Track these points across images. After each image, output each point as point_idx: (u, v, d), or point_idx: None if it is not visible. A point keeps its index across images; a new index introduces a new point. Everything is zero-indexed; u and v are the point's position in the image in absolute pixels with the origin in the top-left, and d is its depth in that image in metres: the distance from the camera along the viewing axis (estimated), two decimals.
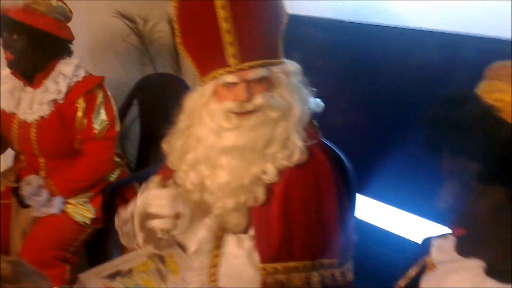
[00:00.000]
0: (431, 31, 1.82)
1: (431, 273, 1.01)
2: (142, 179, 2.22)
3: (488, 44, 1.68)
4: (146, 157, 2.58)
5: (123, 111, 2.60)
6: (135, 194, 2.19)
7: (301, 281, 1.33)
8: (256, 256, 1.34)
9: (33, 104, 1.93)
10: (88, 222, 2.02)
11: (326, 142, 1.60)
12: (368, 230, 1.68)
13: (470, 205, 0.88)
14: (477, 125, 0.84)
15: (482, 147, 0.83)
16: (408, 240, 1.90)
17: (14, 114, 1.99)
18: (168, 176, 1.52)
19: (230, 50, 1.28)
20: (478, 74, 0.92)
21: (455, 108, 0.88)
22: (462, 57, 1.75)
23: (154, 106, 2.51)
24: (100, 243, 2.14)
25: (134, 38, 2.81)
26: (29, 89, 1.96)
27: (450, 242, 0.99)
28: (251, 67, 1.28)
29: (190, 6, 1.32)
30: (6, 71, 1.99)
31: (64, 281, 1.91)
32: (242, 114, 1.31)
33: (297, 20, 2.22)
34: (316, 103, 1.45)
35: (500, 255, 0.88)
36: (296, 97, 1.36)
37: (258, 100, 1.30)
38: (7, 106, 1.99)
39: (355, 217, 1.55)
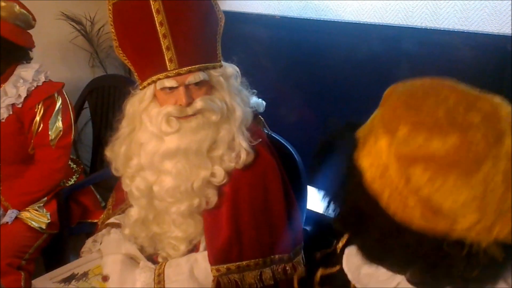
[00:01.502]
0: (374, 24, 1.88)
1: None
2: (96, 182, 2.26)
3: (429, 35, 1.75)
4: (100, 160, 2.56)
5: (75, 114, 2.57)
6: (90, 197, 2.22)
7: (254, 278, 1.37)
8: (198, 270, 1.39)
9: None
10: (43, 227, 1.99)
11: (274, 135, 1.64)
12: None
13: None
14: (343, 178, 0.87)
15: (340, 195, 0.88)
16: None
17: None
18: (121, 198, 1.56)
19: (167, 55, 1.28)
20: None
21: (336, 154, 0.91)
22: (404, 50, 1.82)
23: (106, 108, 2.50)
24: (56, 250, 2.12)
25: (82, 40, 2.78)
26: None
27: None
28: (189, 71, 1.29)
29: (127, 9, 1.30)
30: None
31: None
32: (183, 117, 1.32)
33: (241, 18, 2.27)
34: (258, 103, 1.49)
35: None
36: (237, 99, 1.38)
37: (198, 104, 1.31)
38: None
39: (308, 209, 1.60)
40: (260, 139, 1.41)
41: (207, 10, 1.34)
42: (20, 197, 1.94)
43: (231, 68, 1.41)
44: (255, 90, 1.49)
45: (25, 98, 1.91)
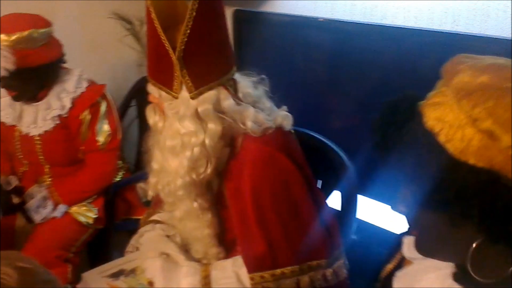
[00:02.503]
0: (421, 30, 1.85)
1: (406, 269, 1.01)
2: (142, 180, 2.28)
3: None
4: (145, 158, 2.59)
5: (121, 113, 2.62)
6: (135, 194, 2.25)
7: (291, 286, 1.34)
8: (244, 277, 1.38)
9: (37, 120, 1.93)
10: (90, 222, 2.04)
11: (325, 140, 1.63)
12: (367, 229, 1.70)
13: (419, 216, 0.86)
14: (414, 150, 0.79)
15: (417, 172, 0.79)
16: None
17: (15, 126, 1.98)
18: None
19: None
20: None
21: (398, 123, 0.85)
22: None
23: None
24: (101, 243, 2.15)
25: (130, 39, 2.83)
26: (31, 102, 1.95)
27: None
28: None
29: None
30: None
31: (66, 280, 1.93)
32: None
33: (281, 20, 2.25)
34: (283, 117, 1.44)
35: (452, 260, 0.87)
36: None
37: None
38: (8, 119, 1.98)
39: (356, 218, 1.57)
40: (278, 146, 1.37)
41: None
42: (72, 194, 1.99)
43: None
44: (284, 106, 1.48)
45: (70, 107, 1.93)
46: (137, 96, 2.60)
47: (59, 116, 1.92)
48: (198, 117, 1.33)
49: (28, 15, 1.83)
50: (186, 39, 1.26)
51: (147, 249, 1.52)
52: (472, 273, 0.82)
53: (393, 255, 1.11)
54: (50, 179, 2.06)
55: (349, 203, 1.59)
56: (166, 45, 1.27)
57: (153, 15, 1.28)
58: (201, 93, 1.32)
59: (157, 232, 1.58)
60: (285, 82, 2.18)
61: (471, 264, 0.82)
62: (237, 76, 1.43)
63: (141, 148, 2.56)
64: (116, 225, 2.19)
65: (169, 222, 1.59)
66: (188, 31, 1.26)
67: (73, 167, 2.03)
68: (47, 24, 1.83)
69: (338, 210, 1.62)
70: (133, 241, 1.63)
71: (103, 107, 1.98)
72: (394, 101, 0.91)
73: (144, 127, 2.63)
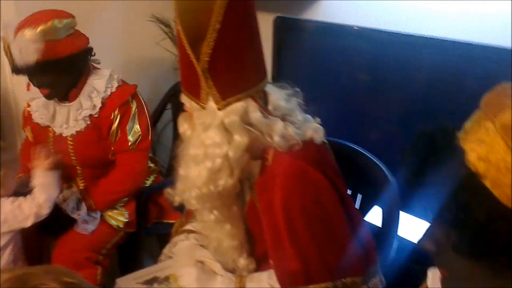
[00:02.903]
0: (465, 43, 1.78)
1: None
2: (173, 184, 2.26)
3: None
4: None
5: (157, 116, 2.62)
6: (167, 199, 2.23)
7: None
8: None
9: (69, 120, 1.93)
10: (121, 226, 2.03)
11: (367, 153, 1.58)
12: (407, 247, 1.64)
13: (452, 259, 0.81)
14: (455, 192, 0.73)
15: (458, 216, 0.73)
16: None
17: (48, 127, 1.99)
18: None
19: None
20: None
21: (434, 156, 0.79)
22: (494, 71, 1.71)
23: None
24: (132, 247, 2.14)
25: (168, 42, 2.83)
26: (63, 102, 1.95)
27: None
28: None
29: None
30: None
31: (95, 283, 1.91)
32: None
33: (315, 28, 2.21)
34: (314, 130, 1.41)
35: None
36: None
37: None
38: (42, 120, 1.98)
39: (397, 234, 1.52)
40: (312, 161, 1.33)
41: None
42: (104, 196, 1.97)
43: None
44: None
45: (101, 107, 1.91)
46: (172, 100, 2.59)
47: (90, 116, 1.92)
48: (224, 128, 1.32)
49: (51, 9, 1.84)
50: (210, 51, 1.25)
51: (182, 257, 1.49)
52: None
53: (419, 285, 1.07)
54: (82, 181, 2.05)
55: (390, 219, 1.53)
56: (191, 56, 1.27)
57: (179, 28, 1.28)
58: (228, 104, 1.31)
59: (191, 241, 1.57)
60: (324, 90, 2.14)
61: None
62: (270, 87, 1.41)
63: (176, 151, 2.61)
64: (147, 229, 2.18)
65: (202, 231, 1.57)
66: (212, 42, 1.24)
67: (105, 169, 2.02)
68: (69, 15, 1.84)
69: (378, 227, 1.56)
70: (166, 250, 1.61)
71: (133, 107, 1.96)
72: (430, 131, 0.85)
73: (177, 131, 2.62)
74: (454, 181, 0.75)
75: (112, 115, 1.92)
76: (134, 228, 2.09)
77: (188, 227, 1.63)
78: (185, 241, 1.58)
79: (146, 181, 2.21)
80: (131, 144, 1.95)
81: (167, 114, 2.70)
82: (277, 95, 1.42)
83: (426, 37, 1.86)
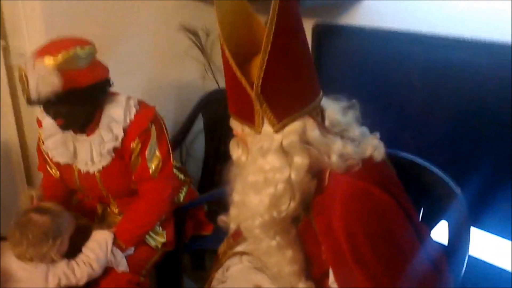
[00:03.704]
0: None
1: None
2: (213, 199, 2.18)
3: None
4: (210, 174, 2.50)
5: (187, 126, 2.54)
6: (202, 209, 2.15)
7: None
8: None
9: (93, 156, 1.82)
10: (160, 246, 1.95)
11: (427, 165, 1.49)
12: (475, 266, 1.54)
13: None
14: None
15: None
16: None
17: (71, 165, 1.88)
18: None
19: None
20: None
21: None
22: None
23: (220, 122, 2.43)
24: (170, 265, 2.05)
25: (196, 51, 2.75)
26: (81, 136, 1.83)
27: None
28: None
29: None
30: (47, 120, 1.83)
31: None
32: None
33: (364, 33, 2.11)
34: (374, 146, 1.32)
35: None
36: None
37: None
38: (63, 159, 1.86)
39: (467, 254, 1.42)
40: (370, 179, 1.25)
41: None
42: (131, 233, 1.84)
43: None
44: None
45: (123, 137, 1.80)
46: (204, 109, 2.51)
47: (114, 148, 1.81)
48: (283, 151, 1.25)
49: (71, 37, 1.73)
50: (263, 74, 1.18)
51: (237, 282, 1.41)
52: None
53: None
54: (117, 208, 1.98)
55: (459, 236, 1.43)
56: (243, 82, 1.20)
57: (227, 53, 1.21)
58: (284, 126, 1.24)
59: (245, 264, 1.48)
60: (370, 100, 2.04)
61: None
62: (325, 101, 1.33)
63: (207, 163, 2.52)
64: (185, 246, 2.09)
65: (255, 253, 1.48)
66: (265, 65, 1.17)
67: (133, 198, 1.91)
68: (90, 43, 1.72)
69: (444, 245, 1.46)
70: (218, 275, 1.52)
71: (153, 132, 1.84)
72: None
73: (209, 141, 2.54)
74: None
75: (133, 145, 1.81)
76: (172, 247, 2.00)
77: (239, 248, 1.53)
78: (238, 265, 1.49)
79: (180, 195, 2.12)
80: (152, 172, 1.84)
81: (198, 123, 2.60)
82: (333, 109, 1.34)
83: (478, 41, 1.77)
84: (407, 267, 1.22)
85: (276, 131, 1.24)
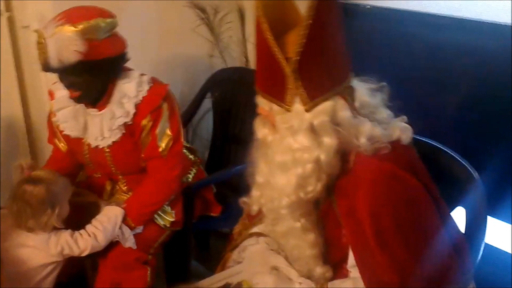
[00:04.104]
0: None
1: None
2: (221, 180, 2.17)
3: None
4: (218, 155, 2.48)
5: (195, 106, 2.51)
6: (210, 190, 2.13)
7: None
8: None
9: (103, 131, 1.79)
10: (168, 225, 1.93)
11: (449, 151, 1.47)
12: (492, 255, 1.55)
13: None
14: None
15: None
16: None
17: (81, 138, 1.85)
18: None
19: None
20: None
21: None
22: None
23: (229, 102, 2.40)
24: (178, 245, 2.04)
25: (204, 29, 2.71)
26: (92, 111, 1.80)
27: None
28: None
29: None
30: (60, 92, 1.81)
31: (145, 284, 1.83)
32: None
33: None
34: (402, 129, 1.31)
35: None
36: None
37: None
38: (73, 132, 1.84)
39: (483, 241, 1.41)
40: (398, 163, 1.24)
41: None
42: (140, 211, 1.82)
43: None
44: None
45: (134, 113, 1.77)
46: (213, 88, 2.47)
47: (125, 124, 1.78)
48: (312, 130, 1.23)
49: (92, 6, 1.70)
50: (301, 49, 1.15)
51: (254, 263, 1.39)
52: None
53: None
54: (125, 185, 1.95)
55: (476, 222, 1.42)
56: (279, 57, 1.17)
57: (265, 26, 1.17)
58: (316, 105, 1.22)
59: (262, 245, 1.47)
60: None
61: None
62: (355, 82, 1.30)
63: (215, 143, 2.50)
64: (194, 225, 2.08)
65: (272, 235, 1.47)
66: (304, 40, 1.15)
67: (142, 175, 1.89)
68: (112, 15, 1.70)
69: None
70: (234, 255, 1.51)
71: (165, 110, 1.81)
72: None
73: (218, 121, 2.52)
74: None
75: (144, 122, 1.78)
76: (180, 226, 1.98)
77: (255, 229, 1.52)
78: (255, 245, 1.48)
79: (189, 175, 2.10)
80: (162, 150, 1.81)
81: (205, 103, 2.57)
82: (362, 90, 1.32)
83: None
84: (431, 253, 1.21)
85: (307, 110, 1.21)
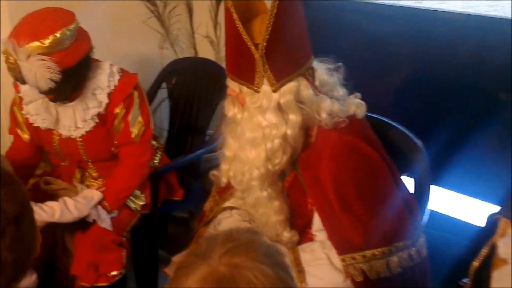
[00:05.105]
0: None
1: (504, 269, 1.03)
2: (186, 164, 2.27)
3: None
4: (175, 142, 2.57)
5: (151, 96, 2.57)
6: (174, 175, 2.24)
7: (382, 267, 1.40)
8: (336, 260, 1.42)
9: (76, 122, 1.84)
10: (139, 208, 2.02)
11: (400, 127, 1.67)
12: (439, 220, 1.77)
13: None
14: None
15: None
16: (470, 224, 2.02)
17: (51, 130, 1.89)
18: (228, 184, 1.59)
19: None
20: None
21: None
22: None
23: (186, 92, 2.50)
24: (145, 229, 2.13)
25: (154, 21, 2.78)
26: (64, 102, 1.84)
27: None
28: None
29: None
30: (26, 85, 1.79)
31: (121, 266, 1.90)
32: None
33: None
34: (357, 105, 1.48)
35: None
36: None
37: None
38: (44, 124, 1.87)
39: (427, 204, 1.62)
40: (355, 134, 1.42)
41: None
42: (116, 196, 1.91)
43: None
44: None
45: (107, 103, 1.84)
46: (168, 78, 2.56)
47: (98, 114, 1.85)
48: (279, 109, 1.38)
49: (52, 13, 1.70)
50: (268, 36, 1.30)
51: None
52: None
53: (478, 251, 1.15)
54: (95, 172, 2.01)
55: (422, 189, 1.63)
56: (248, 44, 1.32)
57: (235, 16, 1.31)
58: (282, 86, 1.37)
59: (235, 217, 1.61)
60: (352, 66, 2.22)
61: None
62: (315, 63, 1.47)
63: (172, 131, 2.58)
64: (159, 209, 2.17)
65: (243, 207, 1.61)
66: (270, 28, 1.30)
67: (117, 160, 1.97)
68: (72, 17, 1.72)
69: None
70: (211, 229, 1.64)
71: (136, 98, 1.90)
72: None
73: (174, 110, 2.60)
74: None
75: (116, 110, 1.86)
76: (148, 210, 2.08)
77: (228, 204, 1.66)
78: (229, 218, 1.61)
79: (155, 160, 2.17)
80: (135, 136, 1.90)
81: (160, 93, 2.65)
82: (321, 70, 1.48)
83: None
84: (389, 212, 1.41)
85: (274, 91, 1.36)
